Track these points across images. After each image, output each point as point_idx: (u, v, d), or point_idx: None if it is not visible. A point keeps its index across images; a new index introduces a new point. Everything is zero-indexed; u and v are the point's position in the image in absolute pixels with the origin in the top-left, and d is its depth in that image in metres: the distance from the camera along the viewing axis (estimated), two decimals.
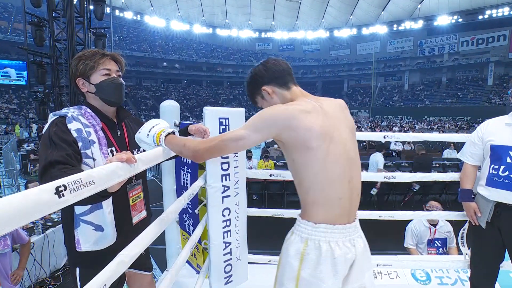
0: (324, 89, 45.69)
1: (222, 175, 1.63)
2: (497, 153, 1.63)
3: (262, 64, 1.14)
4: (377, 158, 5.95)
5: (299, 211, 1.10)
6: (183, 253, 1.34)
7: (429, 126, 22.66)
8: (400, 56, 41.60)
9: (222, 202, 1.65)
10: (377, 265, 1.92)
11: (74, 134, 1.04)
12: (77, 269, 1.17)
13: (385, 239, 3.39)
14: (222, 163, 1.63)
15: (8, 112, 26.08)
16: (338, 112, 1.11)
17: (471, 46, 36.23)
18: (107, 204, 1.11)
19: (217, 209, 1.64)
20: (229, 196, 1.68)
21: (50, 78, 7.07)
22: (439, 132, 15.89)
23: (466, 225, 1.92)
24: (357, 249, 1.05)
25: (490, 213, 1.65)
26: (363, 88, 44.03)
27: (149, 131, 1.11)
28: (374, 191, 5.80)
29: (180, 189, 1.92)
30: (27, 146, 10.84)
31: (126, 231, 1.19)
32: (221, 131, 1.58)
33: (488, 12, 33.80)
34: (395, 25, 40.37)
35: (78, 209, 1.08)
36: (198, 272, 1.92)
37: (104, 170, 0.72)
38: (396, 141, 9.87)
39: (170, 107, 1.95)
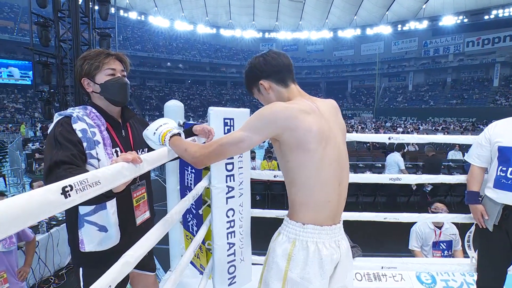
0: (328, 90, 45.57)
1: (227, 176, 1.63)
2: (505, 154, 1.61)
3: (262, 56, 1.10)
4: (397, 158, 5.79)
5: (283, 212, 1.10)
6: (187, 253, 1.33)
7: (433, 127, 22.50)
8: (405, 57, 41.35)
9: (227, 203, 1.65)
10: (382, 268, 1.91)
11: (79, 134, 1.04)
12: (81, 269, 1.17)
13: (390, 241, 3.36)
14: (226, 164, 1.62)
15: (14, 111, 26.35)
16: (332, 114, 1.11)
17: (476, 46, 35.90)
18: (111, 205, 1.11)
19: (222, 210, 1.64)
20: (233, 197, 1.67)
21: (55, 78, 7.12)
22: (444, 133, 15.78)
23: (473, 228, 1.89)
24: (342, 250, 1.06)
25: (498, 216, 1.62)
26: (367, 88, 43.83)
27: (156, 129, 1.09)
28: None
29: (184, 189, 1.92)
30: (32, 145, 10.93)
31: (130, 232, 1.18)
32: (225, 131, 1.57)
33: (494, 12, 33.47)
34: (399, 26, 40.13)
35: (82, 210, 1.08)
36: (201, 273, 1.92)
37: (110, 170, 0.71)
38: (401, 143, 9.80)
39: (174, 107, 1.95)
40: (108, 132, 1.15)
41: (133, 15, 39.98)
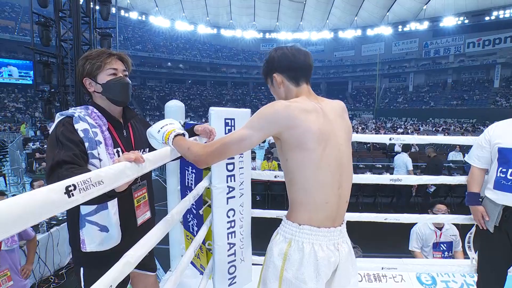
0: (328, 90, 45.56)
1: (227, 176, 1.63)
2: (505, 156, 1.61)
3: (283, 50, 1.09)
4: (406, 159, 5.76)
5: (283, 212, 1.10)
6: (188, 253, 1.33)
7: (434, 128, 22.49)
8: (405, 58, 41.33)
9: (227, 203, 1.65)
10: (382, 268, 1.91)
11: (81, 134, 1.05)
12: (82, 269, 1.17)
13: (390, 241, 3.36)
14: (227, 164, 1.62)
15: (14, 111, 26.36)
16: (337, 115, 1.09)
17: (477, 47, 35.87)
18: (113, 205, 1.11)
19: (222, 210, 1.64)
20: (234, 197, 1.67)
21: (56, 78, 7.13)
22: (444, 134, 15.77)
23: (473, 229, 1.90)
24: (341, 254, 1.04)
25: (498, 217, 1.62)
26: (367, 89, 43.82)
27: (161, 128, 1.11)
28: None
29: (185, 189, 1.92)
30: (32, 145, 10.93)
31: (131, 232, 1.19)
32: (226, 131, 1.58)
33: (495, 13, 33.45)
34: (400, 26, 40.12)
35: (84, 210, 1.08)
36: (201, 273, 1.92)
37: (113, 170, 0.72)
38: (401, 143, 9.81)
39: (175, 107, 1.95)
40: (109, 132, 1.16)
41: (134, 15, 40.00)
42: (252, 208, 1.88)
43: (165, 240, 2.02)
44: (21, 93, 28.99)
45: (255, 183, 5.96)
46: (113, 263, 0.77)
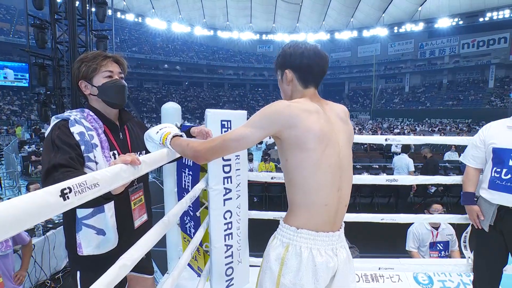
0: (325, 92, 45.70)
1: (224, 178, 1.63)
2: (499, 156, 1.63)
3: (302, 51, 1.05)
4: (407, 160, 5.70)
5: (280, 214, 1.09)
6: (185, 256, 1.33)
7: (430, 129, 22.64)
8: (401, 59, 41.62)
9: (224, 205, 1.65)
10: (379, 269, 1.91)
11: (77, 138, 1.04)
12: (78, 272, 1.17)
13: (387, 241, 3.38)
14: (224, 166, 1.62)
15: (9, 113, 26.15)
16: (339, 118, 1.09)
17: (472, 48, 36.23)
18: (109, 208, 1.11)
19: (219, 211, 1.64)
20: (230, 198, 1.67)
21: (51, 80, 7.09)
22: (440, 135, 15.88)
23: (469, 229, 1.91)
24: (340, 259, 1.02)
25: (493, 217, 1.64)
26: (364, 90, 44.04)
27: (159, 130, 1.12)
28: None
29: (181, 191, 1.92)
30: (28, 148, 10.86)
31: (128, 235, 1.18)
32: (222, 133, 1.58)
33: (488, 14, 33.80)
34: (395, 28, 40.39)
35: (80, 213, 1.08)
36: (199, 275, 1.92)
37: (109, 172, 0.71)
38: (398, 144, 9.87)
39: (171, 109, 1.95)
40: (105, 134, 1.15)
41: (130, 17, 39.89)
42: (250, 209, 1.88)
43: (163, 243, 2.01)
44: (16, 95, 28.75)
45: (252, 185, 5.96)
46: (110, 266, 0.76)
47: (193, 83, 43.51)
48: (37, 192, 0.50)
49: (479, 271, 1.76)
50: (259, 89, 46.84)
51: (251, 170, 6.68)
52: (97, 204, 1.01)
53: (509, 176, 1.57)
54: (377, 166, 8.14)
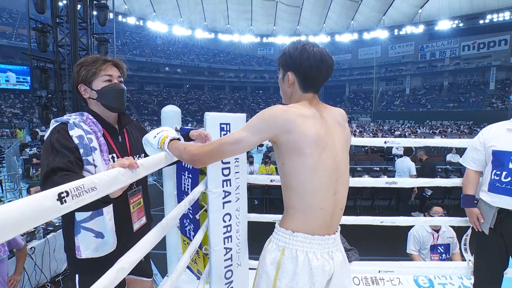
0: (326, 94, 45.76)
1: (223, 181, 1.63)
2: (499, 158, 1.63)
3: (309, 56, 1.03)
4: (409, 164, 5.64)
5: (280, 216, 1.09)
6: (184, 258, 1.33)
7: (431, 131, 22.59)
8: (402, 61, 41.68)
9: (223, 208, 1.65)
10: (379, 271, 1.91)
11: (76, 141, 1.05)
12: (77, 275, 1.17)
13: (387, 244, 3.36)
14: (223, 169, 1.63)
15: (11, 116, 26.26)
16: (336, 122, 1.09)
17: (472, 50, 36.26)
18: (108, 211, 1.11)
19: (218, 214, 1.64)
20: (230, 201, 1.68)
21: (53, 83, 7.12)
22: (441, 137, 15.85)
23: (469, 231, 1.91)
24: (336, 262, 1.02)
25: (493, 219, 1.64)
26: (364, 92, 44.05)
27: (157, 133, 1.12)
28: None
29: (181, 194, 1.92)
30: (29, 150, 10.87)
31: (127, 238, 1.18)
32: (221, 136, 1.58)
33: (489, 16, 33.85)
34: (396, 30, 40.47)
35: (79, 216, 1.08)
36: (198, 278, 1.91)
37: (106, 176, 0.72)
38: (398, 147, 9.86)
39: (171, 112, 1.96)
40: (104, 138, 1.16)
41: (131, 20, 40.13)
42: (250, 212, 1.88)
43: (163, 245, 2.01)
44: (18, 98, 28.90)
45: (253, 188, 5.96)
46: (109, 269, 0.77)
47: (194, 86, 43.64)
48: (34, 196, 0.51)
49: (479, 274, 1.75)
50: (260, 91, 46.89)
51: (251, 172, 6.69)
52: (95, 207, 1.01)
53: (509, 178, 1.57)
54: (378, 169, 8.13)
